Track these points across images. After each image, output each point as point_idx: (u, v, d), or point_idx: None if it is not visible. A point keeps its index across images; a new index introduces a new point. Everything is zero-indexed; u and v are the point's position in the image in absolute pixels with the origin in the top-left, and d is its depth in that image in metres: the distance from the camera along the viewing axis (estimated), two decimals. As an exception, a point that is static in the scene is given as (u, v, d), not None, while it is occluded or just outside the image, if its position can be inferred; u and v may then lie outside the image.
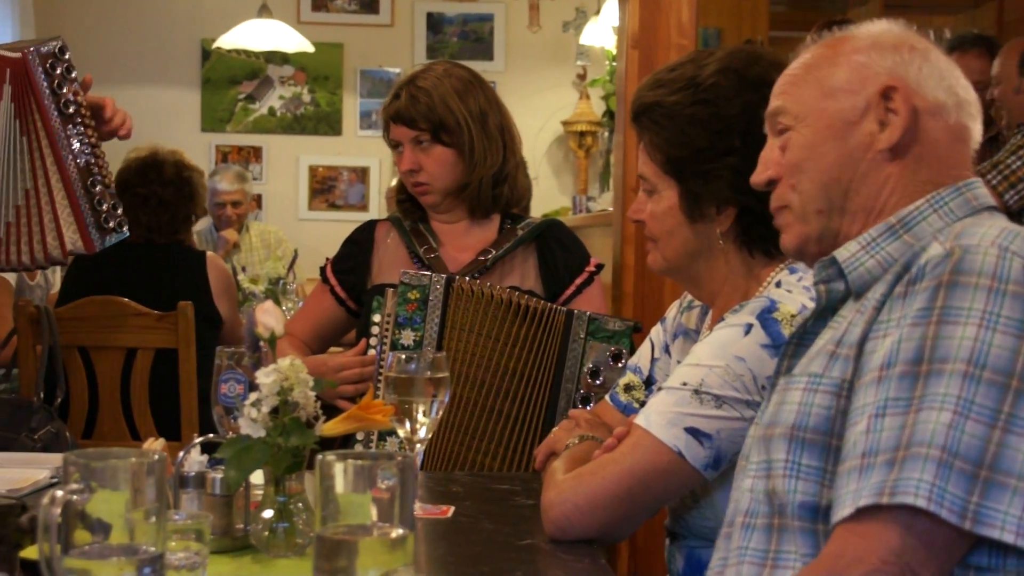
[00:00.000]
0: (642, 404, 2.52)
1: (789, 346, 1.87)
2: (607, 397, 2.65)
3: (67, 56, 3.27)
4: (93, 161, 3.26)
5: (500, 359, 2.87)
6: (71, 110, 3.26)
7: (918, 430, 1.49)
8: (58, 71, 3.26)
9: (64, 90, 3.25)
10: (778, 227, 2.09)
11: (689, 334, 2.56)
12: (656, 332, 2.65)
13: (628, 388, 2.60)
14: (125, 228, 3.30)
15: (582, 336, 2.91)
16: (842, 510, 1.53)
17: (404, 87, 3.24)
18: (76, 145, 3.25)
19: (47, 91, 3.23)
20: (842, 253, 1.75)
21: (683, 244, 2.34)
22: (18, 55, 3.22)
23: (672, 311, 2.66)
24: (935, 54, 1.79)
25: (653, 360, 2.61)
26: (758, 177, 1.90)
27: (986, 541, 1.49)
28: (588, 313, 2.95)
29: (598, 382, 2.88)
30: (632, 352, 2.89)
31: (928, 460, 1.46)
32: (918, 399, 1.51)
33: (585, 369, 2.90)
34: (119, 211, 3.28)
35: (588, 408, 2.84)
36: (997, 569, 1.53)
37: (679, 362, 2.49)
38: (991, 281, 1.53)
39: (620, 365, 2.88)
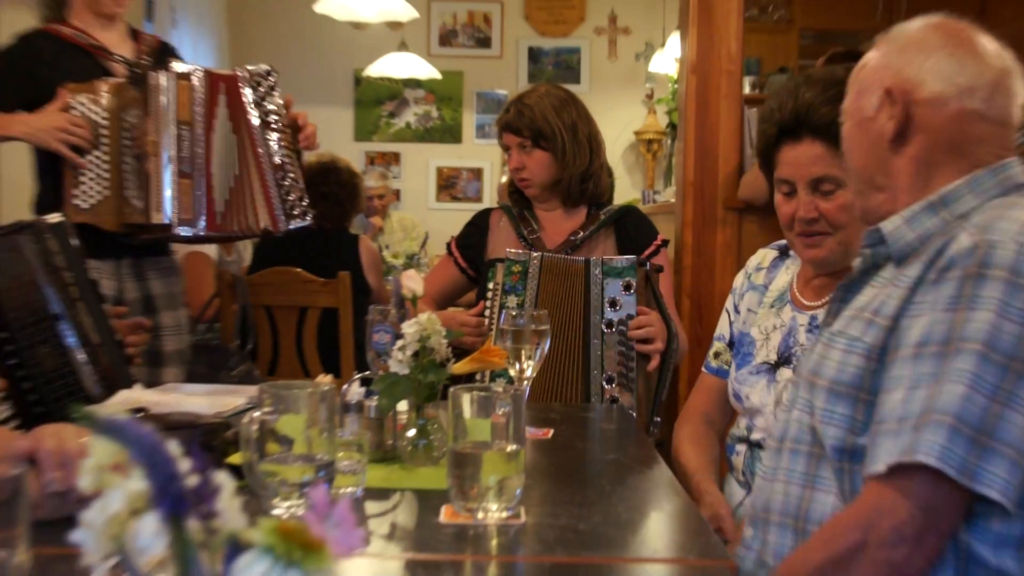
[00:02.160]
0: (728, 365, 2.51)
1: (835, 300, 1.79)
2: (703, 367, 2.62)
3: (272, 78, 3.34)
4: (287, 161, 3.31)
5: (557, 313, 2.87)
6: (270, 118, 3.32)
7: (938, 400, 1.45)
8: (262, 88, 3.33)
9: (265, 102, 3.31)
10: None
11: (757, 288, 2.50)
12: (728, 303, 2.60)
13: (716, 355, 2.58)
14: (308, 217, 3.35)
15: (600, 276, 2.90)
16: (876, 464, 1.49)
17: (514, 103, 3.26)
18: (273, 146, 3.31)
19: (252, 101, 3.29)
20: (887, 225, 1.67)
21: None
22: (231, 73, 3.29)
23: (739, 280, 2.59)
24: (942, 51, 1.66)
25: (731, 324, 2.56)
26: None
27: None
28: (600, 257, 2.96)
29: (616, 308, 2.88)
30: (641, 281, 2.91)
31: (940, 425, 1.43)
32: (943, 373, 1.47)
33: (606, 300, 2.89)
34: (304, 203, 3.33)
35: (611, 330, 2.88)
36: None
37: (749, 310, 2.50)
38: (1009, 275, 1.47)
39: (630, 293, 2.89)
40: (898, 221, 1.67)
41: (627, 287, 2.89)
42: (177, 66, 3.23)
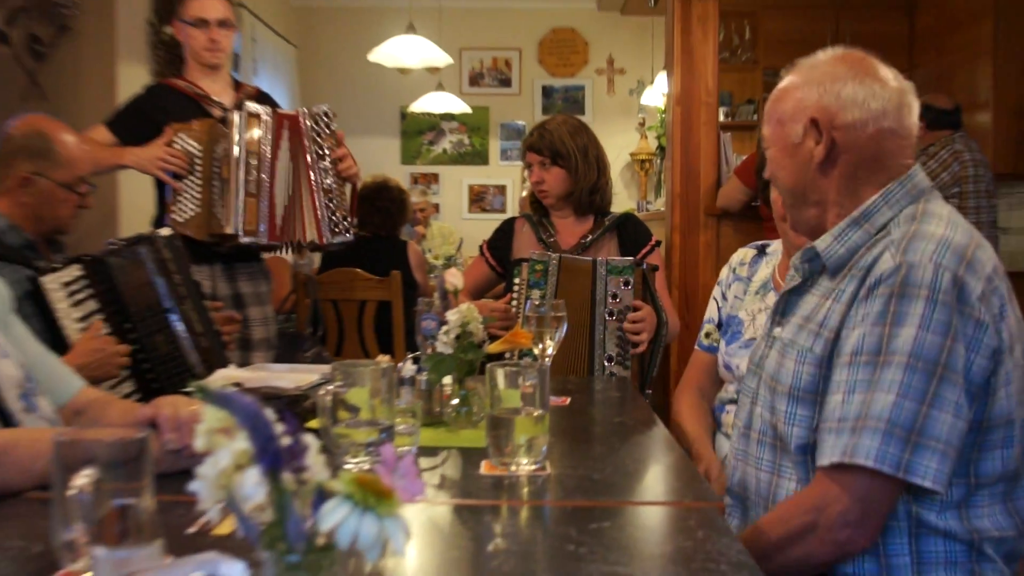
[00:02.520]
0: (718, 343, 2.51)
1: (778, 307, 1.75)
2: (696, 345, 2.61)
3: (328, 117, 3.35)
4: (334, 188, 3.33)
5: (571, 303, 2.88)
6: (324, 150, 3.33)
7: (872, 407, 1.45)
8: (320, 125, 3.34)
9: (320, 137, 3.32)
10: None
11: (742, 279, 2.51)
12: (715, 292, 2.58)
13: (707, 335, 2.57)
14: (350, 234, 3.36)
15: (604, 273, 2.89)
16: (822, 459, 1.49)
17: (537, 128, 3.25)
18: (323, 174, 3.32)
19: (310, 136, 3.31)
20: (820, 244, 1.63)
21: None
22: (295, 113, 3.31)
23: (724, 273, 2.58)
24: (852, 81, 1.60)
25: (719, 309, 2.55)
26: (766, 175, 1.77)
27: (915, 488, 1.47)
28: (605, 259, 2.94)
29: (616, 300, 2.87)
30: (638, 279, 2.89)
31: (875, 431, 1.43)
32: (875, 381, 1.46)
33: (608, 294, 2.88)
34: (347, 222, 3.34)
35: (612, 318, 2.87)
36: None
37: (736, 297, 2.50)
38: (927, 291, 1.45)
39: (628, 288, 2.88)
40: (829, 239, 1.63)
41: (626, 283, 2.88)
42: (250, 106, 3.26)
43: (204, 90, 3.40)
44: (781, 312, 1.74)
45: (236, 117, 3.22)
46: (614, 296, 2.88)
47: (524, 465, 1.65)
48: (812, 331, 1.59)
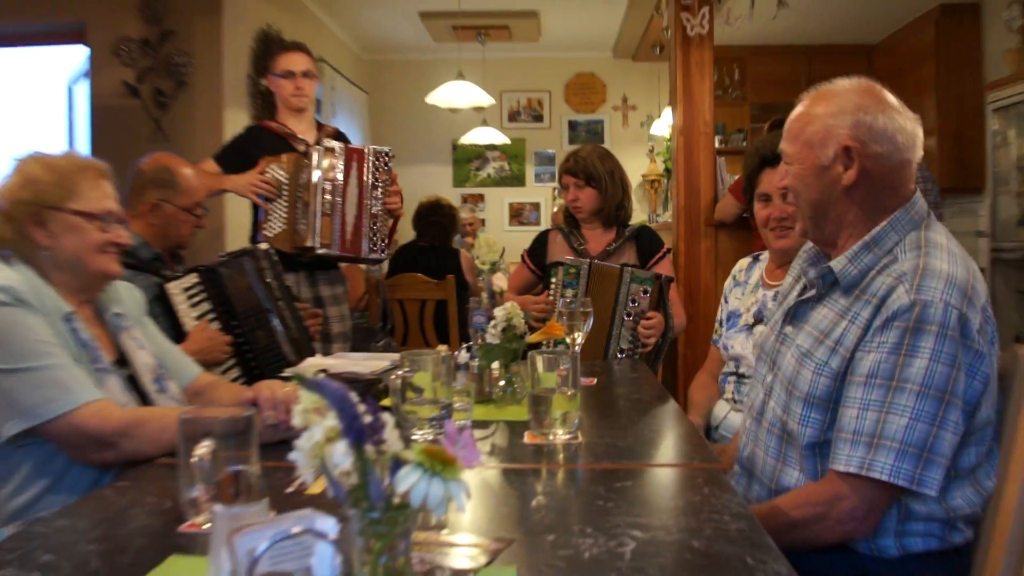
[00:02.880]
0: (720, 336, 2.54)
1: (790, 314, 1.68)
2: (712, 342, 2.62)
3: (389, 156, 3.36)
4: (379, 214, 3.33)
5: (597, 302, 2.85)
6: (379, 183, 3.34)
7: (887, 427, 1.42)
8: (381, 162, 3.35)
9: (378, 172, 3.34)
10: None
11: (740, 283, 2.51)
12: (723, 297, 2.59)
13: (716, 332, 2.59)
14: (384, 255, 3.38)
15: (628, 281, 2.85)
16: (838, 464, 1.46)
17: (572, 155, 3.21)
18: (373, 202, 3.33)
19: (370, 170, 3.32)
20: (836, 265, 1.56)
21: None
22: (363, 148, 3.32)
23: (728, 282, 2.59)
24: (882, 115, 1.52)
25: (723, 309, 2.57)
26: (780, 183, 1.69)
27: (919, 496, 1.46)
28: (629, 267, 2.89)
29: (635, 305, 2.83)
30: (655, 290, 2.85)
31: (890, 449, 1.41)
32: (888, 403, 1.43)
33: (630, 299, 2.84)
34: (383, 243, 3.35)
35: (629, 319, 2.83)
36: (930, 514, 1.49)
37: (736, 297, 2.52)
38: (938, 328, 1.41)
39: (646, 296, 2.83)
40: (844, 262, 1.56)
41: (645, 292, 2.85)
42: (326, 142, 3.29)
43: (291, 129, 3.42)
44: (793, 315, 1.68)
45: (315, 151, 3.25)
46: (633, 301, 2.85)
47: (560, 435, 1.65)
48: (829, 347, 1.54)
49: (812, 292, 1.63)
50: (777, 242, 2.34)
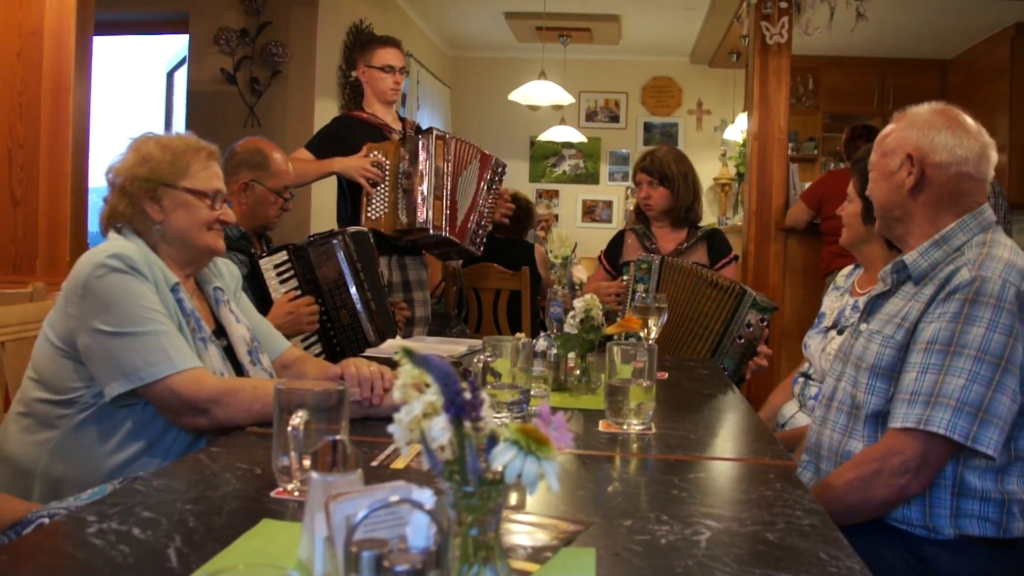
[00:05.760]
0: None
1: (867, 308, 1.75)
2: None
3: (502, 169, 3.43)
4: (486, 213, 3.36)
5: (691, 302, 2.79)
6: (492, 187, 3.37)
7: (944, 387, 1.48)
8: (498, 171, 3.38)
9: (494, 178, 3.38)
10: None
11: (839, 288, 2.45)
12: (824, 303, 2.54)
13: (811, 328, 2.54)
14: (479, 251, 3.43)
15: (748, 305, 2.75)
16: (895, 421, 1.52)
17: (648, 155, 3.19)
18: (485, 202, 3.36)
19: (488, 177, 3.36)
20: (908, 258, 1.65)
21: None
22: (489, 154, 3.41)
23: (830, 287, 2.54)
24: (946, 130, 1.63)
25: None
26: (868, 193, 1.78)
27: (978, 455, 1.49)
28: (754, 293, 2.78)
29: (749, 329, 2.73)
30: (769, 319, 2.77)
31: (947, 407, 1.47)
32: (947, 366, 1.49)
33: (745, 322, 2.75)
34: (481, 239, 3.37)
35: (740, 341, 2.74)
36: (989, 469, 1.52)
37: (830, 301, 2.45)
38: (996, 301, 1.49)
39: (763, 323, 2.75)
40: (915, 255, 1.65)
41: (762, 320, 2.75)
42: (437, 131, 3.31)
43: (381, 120, 3.45)
44: (868, 311, 1.75)
45: (421, 140, 3.26)
46: (748, 325, 2.75)
47: (634, 425, 1.64)
48: (896, 323, 1.61)
49: (883, 288, 1.72)
50: (864, 256, 2.34)
